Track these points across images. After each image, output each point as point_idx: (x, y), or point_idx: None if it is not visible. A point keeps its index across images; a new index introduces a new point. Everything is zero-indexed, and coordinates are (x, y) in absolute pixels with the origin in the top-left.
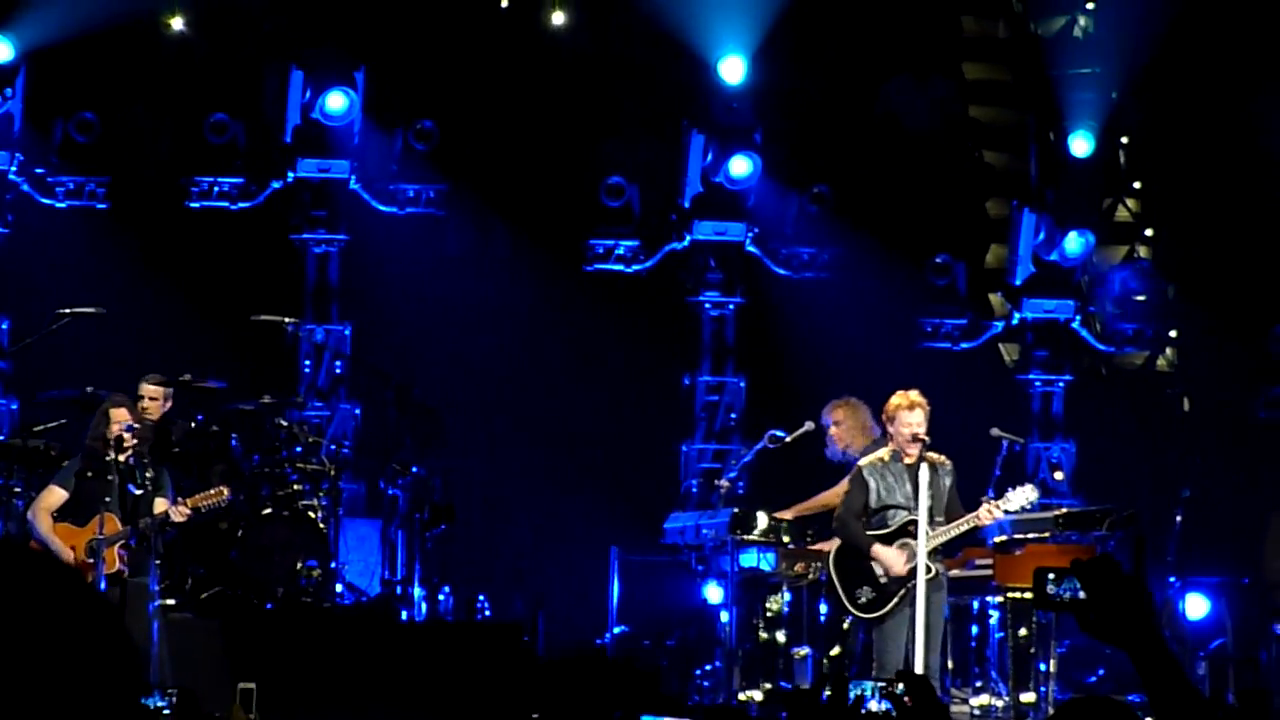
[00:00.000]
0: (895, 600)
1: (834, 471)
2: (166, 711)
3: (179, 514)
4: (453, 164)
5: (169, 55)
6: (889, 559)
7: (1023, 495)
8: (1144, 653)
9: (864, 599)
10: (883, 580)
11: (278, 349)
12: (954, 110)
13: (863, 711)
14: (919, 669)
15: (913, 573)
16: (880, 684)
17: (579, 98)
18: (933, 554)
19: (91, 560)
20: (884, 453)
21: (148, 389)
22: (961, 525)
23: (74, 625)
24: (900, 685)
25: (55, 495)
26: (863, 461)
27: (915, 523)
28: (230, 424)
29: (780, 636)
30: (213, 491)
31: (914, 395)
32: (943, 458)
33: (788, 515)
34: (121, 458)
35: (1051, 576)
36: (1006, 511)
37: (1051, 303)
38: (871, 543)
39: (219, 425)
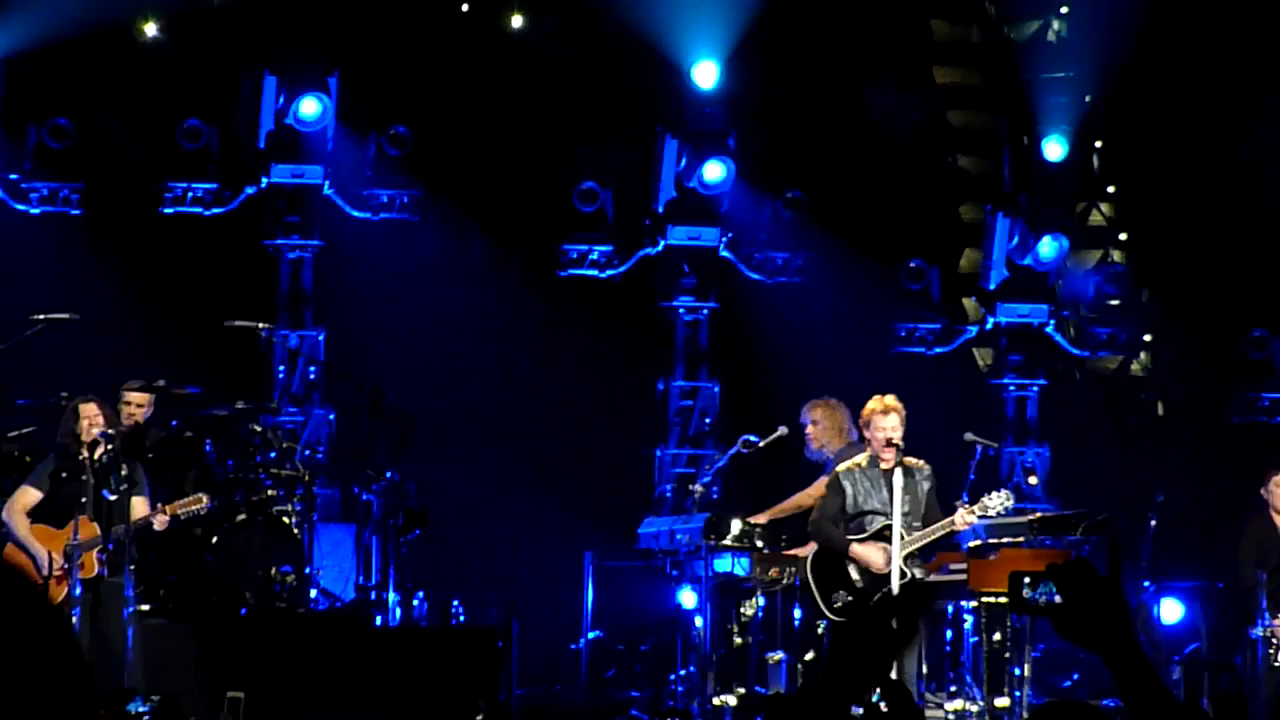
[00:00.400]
0: (879, 595)
1: (808, 475)
2: (147, 718)
3: (159, 522)
4: (427, 169)
5: (142, 61)
6: (867, 555)
7: (999, 500)
8: (1119, 657)
9: (840, 603)
10: (859, 585)
11: (252, 355)
12: (936, 116)
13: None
14: (893, 674)
15: (890, 574)
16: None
17: (553, 103)
18: (911, 559)
19: (68, 566)
20: (861, 458)
21: (133, 396)
22: (937, 530)
23: (23, 636)
24: (875, 692)
25: (29, 496)
26: (839, 467)
27: (891, 527)
28: (204, 430)
29: (754, 641)
30: (191, 498)
31: (889, 400)
32: (920, 462)
33: (762, 519)
34: (96, 454)
35: (1027, 580)
36: (982, 516)
37: (1025, 307)
38: (848, 543)
39: (193, 431)
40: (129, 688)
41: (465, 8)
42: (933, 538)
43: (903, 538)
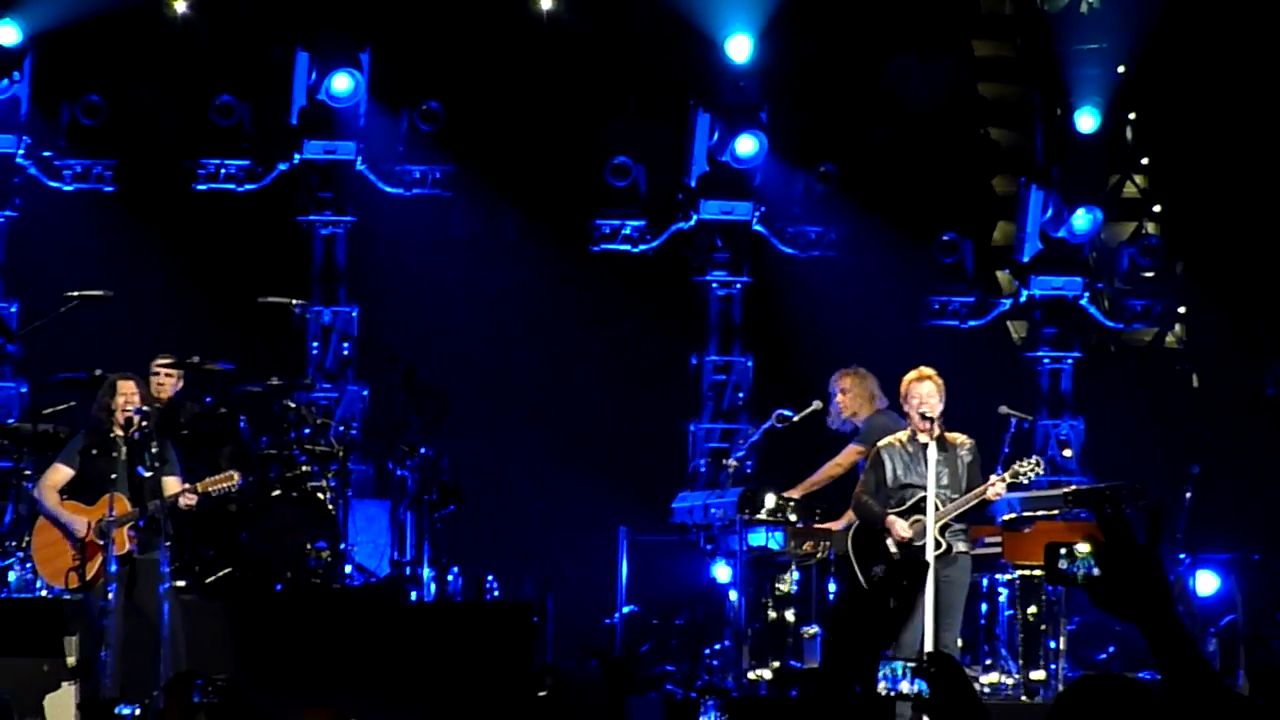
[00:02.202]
0: None
1: (841, 448)
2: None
3: (187, 499)
4: (459, 145)
5: (175, 38)
6: (897, 525)
7: (1029, 466)
8: (1157, 628)
9: (878, 577)
10: (895, 558)
11: (285, 331)
12: (963, 87)
13: (892, 692)
14: (929, 646)
15: (924, 546)
16: (911, 664)
17: (585, 77)
18: (952, 532)
19: (101, 542)
20: (902, 434)
21: (162, 369)
22: (970, 499)
23: None
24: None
25: (60, 473)
26: (880, 442)
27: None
28: (238, 406)
29: (789, 615)
30: (222, 475)
31: (923, 370)
32: (962, 438)
33: (795, 494)
34: (129, 431)
35: (1064, 551)
36: (1013, 484)
37: (1059, 280)
38: (885, 515)
39: (227, 407)
40: (190, 670)
41: None
42: (966, 507)
43: (938, 509)
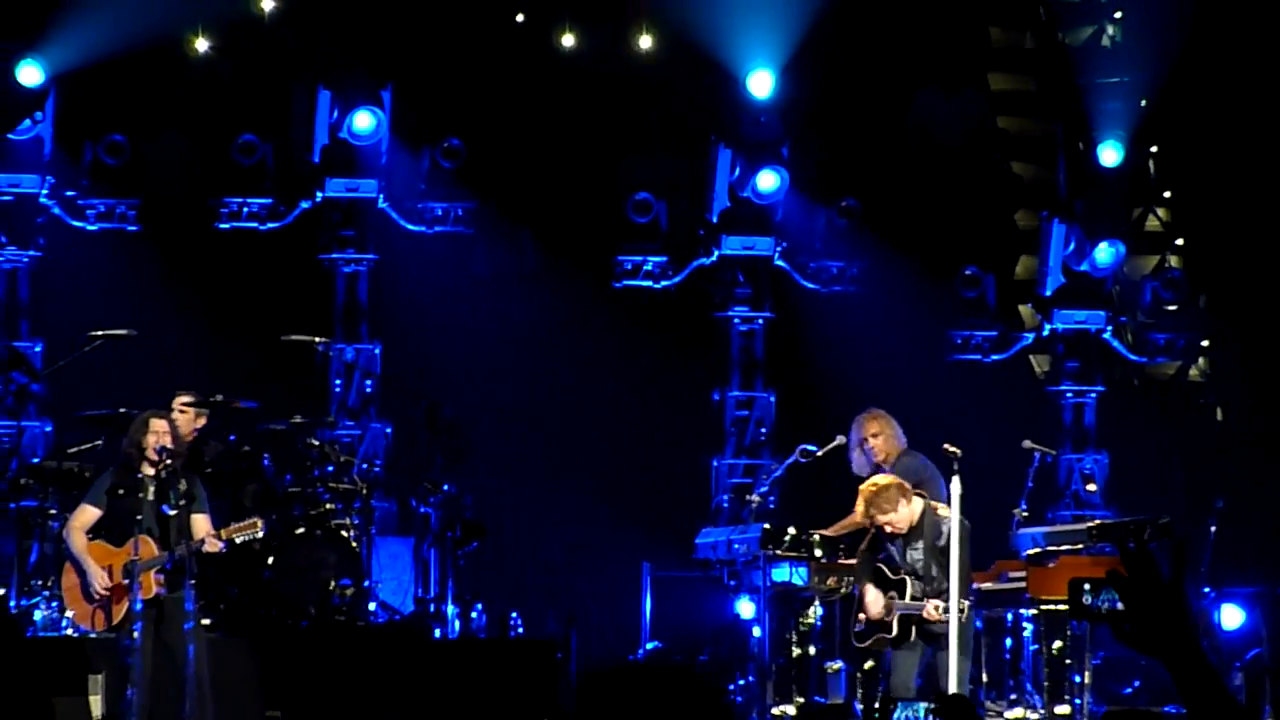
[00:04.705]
0: (873, 639)
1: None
2: None
3: (212, 545)
4: (481, 182)
5: (197, 77)
6: (869, 602)
7: (966, 605)
8: (1181, 662)
9: (858, 628)
10: (862, 619)
11: (308, 369)
12: (985, 123)
13: None
14: (953, 685)
15: (888, 616)
16: (931, 707)
17: (606, 113)
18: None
19: (127, 582)
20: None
21: (180, 402)
22: (911, 608)
23: None
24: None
25: (88, 514)
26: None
27: (901, 585)
28: (262, 444)
29: (813, 651)
30: (247, 523)
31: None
32: (943, 513)
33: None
34: (154, 471)
35: (1088, 587)
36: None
37: (1082, 313)
38: (865, 582)
39: (251, 446)
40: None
41: (520, 18)
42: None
43: (912, 591)
